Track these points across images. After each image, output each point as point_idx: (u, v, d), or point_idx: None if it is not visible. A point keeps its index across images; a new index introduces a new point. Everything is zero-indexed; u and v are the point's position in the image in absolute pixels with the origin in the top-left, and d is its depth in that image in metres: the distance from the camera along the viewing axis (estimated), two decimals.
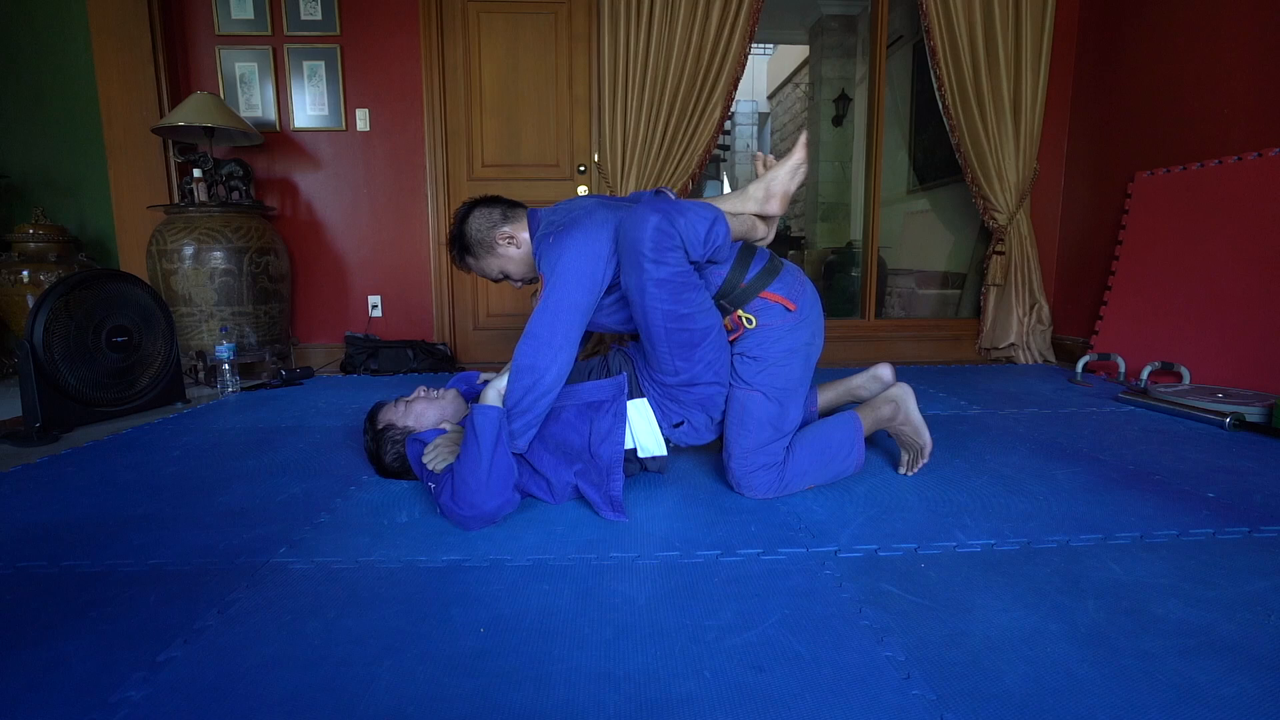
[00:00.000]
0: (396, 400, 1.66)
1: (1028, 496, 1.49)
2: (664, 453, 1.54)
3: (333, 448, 1.93)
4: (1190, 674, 0.86)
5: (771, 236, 1.62)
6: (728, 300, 1.48)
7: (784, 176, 1.56)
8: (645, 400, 1.51)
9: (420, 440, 1.52)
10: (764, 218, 1.59)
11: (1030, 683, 0.85)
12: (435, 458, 1.44)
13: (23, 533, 1.34)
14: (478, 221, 1.56)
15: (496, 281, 1.65)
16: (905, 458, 1.66)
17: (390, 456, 1.58)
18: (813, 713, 0.80)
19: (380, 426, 1.61)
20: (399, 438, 1.58)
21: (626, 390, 1.48)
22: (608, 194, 3.24)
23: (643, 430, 1.52)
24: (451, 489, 1.31)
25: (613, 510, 1.38)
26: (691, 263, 1.37)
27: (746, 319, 1.47)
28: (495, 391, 1.38)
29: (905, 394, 1.63)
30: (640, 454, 1.54)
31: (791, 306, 1.48)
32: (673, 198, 1.61)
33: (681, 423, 1.52)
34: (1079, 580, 1.11)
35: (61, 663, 0.90)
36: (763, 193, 1.56)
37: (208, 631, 0.98)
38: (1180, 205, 2.76)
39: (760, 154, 1.62)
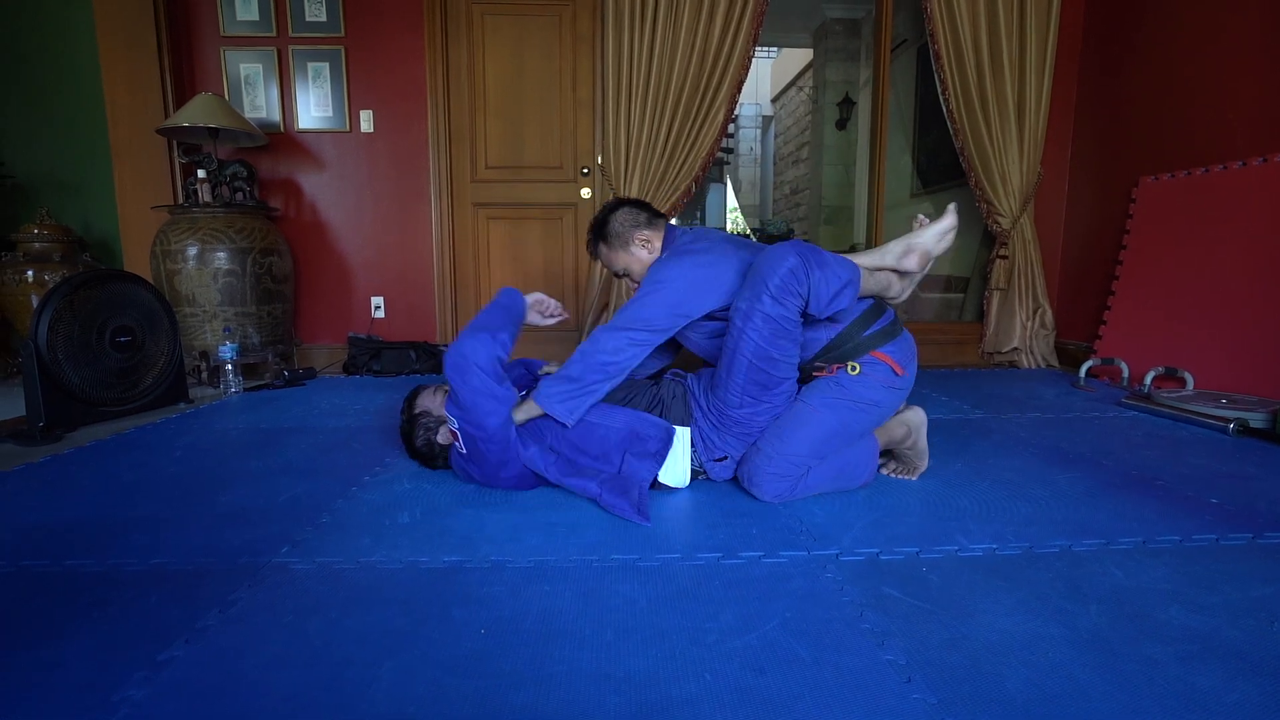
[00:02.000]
0: (436, 388, 1.67)
1: (1030, 501, 1.49)
2: (685, 484, 1.54)
3: (335, 448, 1.93)
4: (1193, 680, 0.86)
5: (907, 295, 1.60)
6: (839, 353, 1.48)
7: (930, 239, 1.54)
8: (686, 430, 1.53)
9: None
10: (900, 273, 1.57)
11: (1032, 687, 0.84)
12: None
13: (25, 532, 1.35)
14: (623, 217, 1.66)
15: (617, 276, 1.76)
16: (896, 466, 1.68)
17: (420, 441, 1.62)
18: (813, 716, 0.79)
19: (416, 411, 1.63)
20: (432, 425, 1.60)
21: (671, 441, 1.51)
22: (613, 197, 3.24)
23: (675, 463, 1.52)
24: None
25: (639, 515, 1.38)
26: (806, 314, 1.39)
27: (851, 366, 1.48)
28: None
29: (920, 421, 1.65)
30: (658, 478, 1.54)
31: (900, 371, 1.49)
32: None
33: (724, 458, 1.53)
34: (1081, 585, 1.11)
35: (63, 662, 0.91)
36: (902, 249, 1.55)
37: (209, 631, 0.98)
38: (1185, 210, 2.75)
39: (920, 216, 1.59)
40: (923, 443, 1.65)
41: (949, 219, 1.54)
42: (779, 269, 1.33)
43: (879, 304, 1.55)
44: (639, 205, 1.69)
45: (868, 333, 1.49)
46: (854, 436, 1.51)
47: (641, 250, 1.66)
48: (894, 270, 1.55)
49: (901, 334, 1.54)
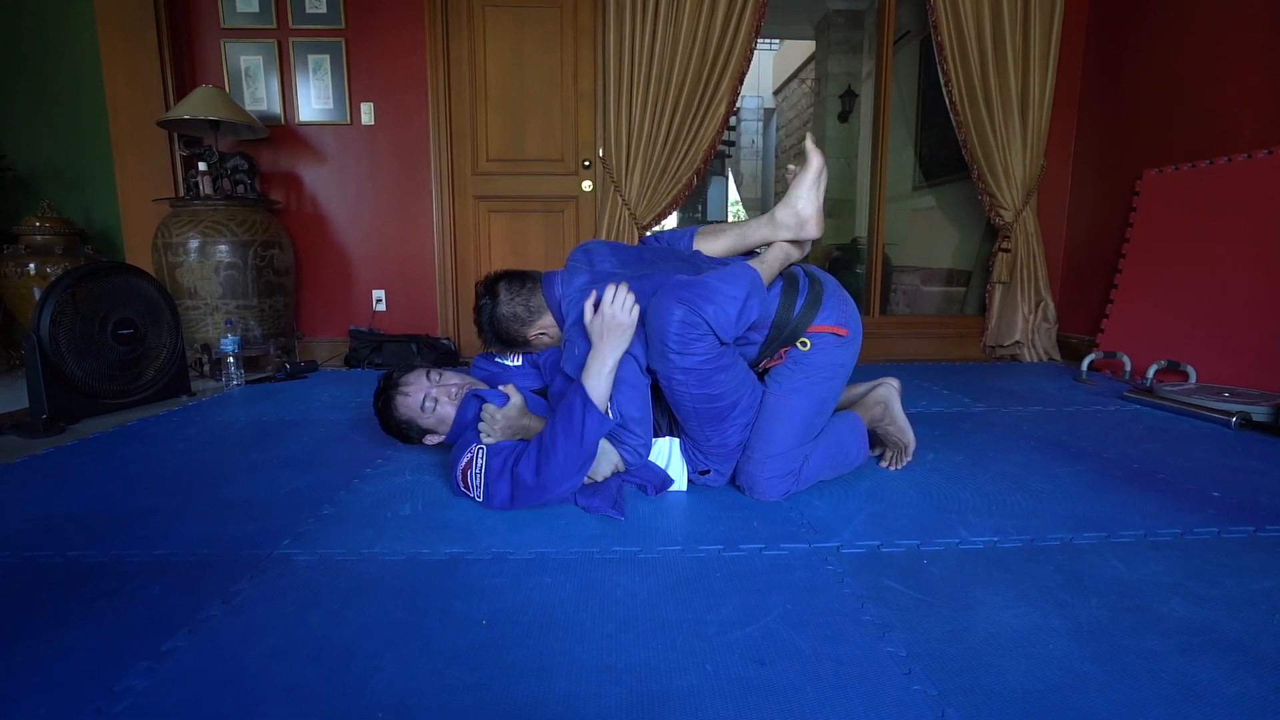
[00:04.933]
0: (424, 397, 1.56)
1: (1031, 494, 1.49)
2: (684, 488, 1.53)
3: (337, 441, 1.93)
4: (1193, 672, 0.86)
5: (809, 249, 1.55)
6: (778, 342, 1.43)
7: (808, 193, 1.47)
8: (677, 440, 1.51)
9: (480, 397, 1.51)
10: (799, 242, 1.53)
11: (1032, 679, 0.85)
12: (489, 431, 1.43)
13: (29, 523, 1.35)
14: (507, 324, 1.52)
15: None
16: (889, 454, 1.67)
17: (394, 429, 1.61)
18: (814, 707, 0.80)
19: (401, 417, 1.57)
20: (415, 435, 1.59)
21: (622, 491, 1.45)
22: (612, 198, 3.23)
23: (674, 469, 1.51)
24: (536, 464, 1.30)
25: (614, 510, 1.37)
26: (725, 342, 1.32)
27: (801, 342, 1.43)
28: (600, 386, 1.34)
29: (891, 395, 1.64)
30: None
31: (843, 333, 1.44)
32: (707, 254, 1.57)
33: (708, 471, 1.50)
34: (1082, 578, 1.11)
35: (67, 652, 0.91)
36: (794, 220, 1.49)
37: (212, 622, 0.98)
38: (1188, 203, 2.74)
39: (790, 167, 1.53)
40: (900, 416, 1.64)
41: (815, 159, 1.47)
42: (668, 328, 1.26)
43: (790, 278, 1.47)
44: (508, 287, 1.52)
45: (796, 312, 1.42)
46: (831, 407, 1.50)
47: (544, 339, 1.56)
48: (793, 241, 1.51)
49: (824, 294, 1.45)
